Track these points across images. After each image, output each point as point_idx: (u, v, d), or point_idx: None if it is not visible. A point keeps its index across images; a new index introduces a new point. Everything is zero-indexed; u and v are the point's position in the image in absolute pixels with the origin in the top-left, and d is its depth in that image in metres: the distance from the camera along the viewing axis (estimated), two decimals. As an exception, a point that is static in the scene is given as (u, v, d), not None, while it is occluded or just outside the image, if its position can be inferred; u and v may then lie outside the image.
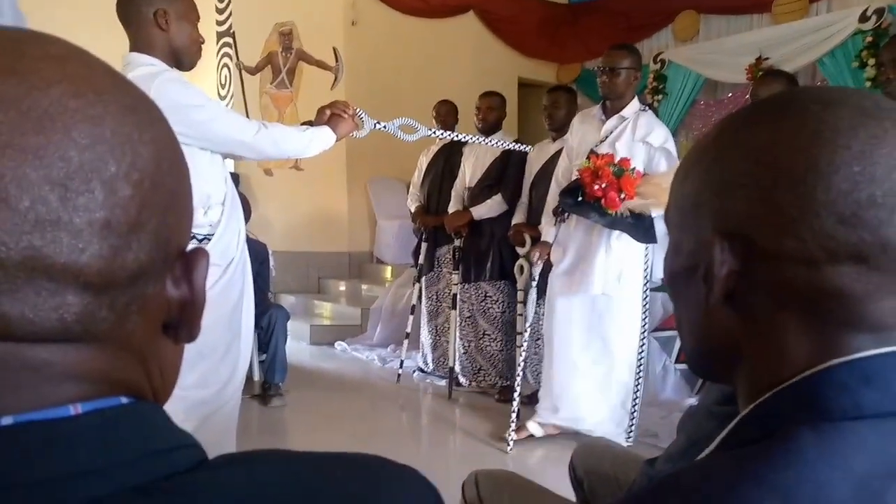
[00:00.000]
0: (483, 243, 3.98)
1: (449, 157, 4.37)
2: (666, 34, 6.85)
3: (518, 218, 3.79)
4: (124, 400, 0.38)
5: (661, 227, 3.05)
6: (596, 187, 2.83)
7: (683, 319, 0.58)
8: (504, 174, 3.97)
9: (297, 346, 5.07)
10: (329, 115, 2.21)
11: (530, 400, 3.72)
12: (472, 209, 3.95)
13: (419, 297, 4.34)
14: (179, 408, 1.97)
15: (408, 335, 4.30)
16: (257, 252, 3.92)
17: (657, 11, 6.75)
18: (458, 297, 4.01)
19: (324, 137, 2.16)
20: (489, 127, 4.06)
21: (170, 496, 0.36)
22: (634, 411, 3.06)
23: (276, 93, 6.25)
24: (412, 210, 4.46)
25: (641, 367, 3.06)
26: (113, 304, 0.37)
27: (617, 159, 2.88)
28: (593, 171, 2.86)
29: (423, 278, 4.33)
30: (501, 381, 3.97)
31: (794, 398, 0.48)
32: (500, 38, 7.26)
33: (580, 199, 2.93)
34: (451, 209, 4.11)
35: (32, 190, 0.33)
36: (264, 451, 0.41)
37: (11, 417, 0.34)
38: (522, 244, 3.61)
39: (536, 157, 3.83)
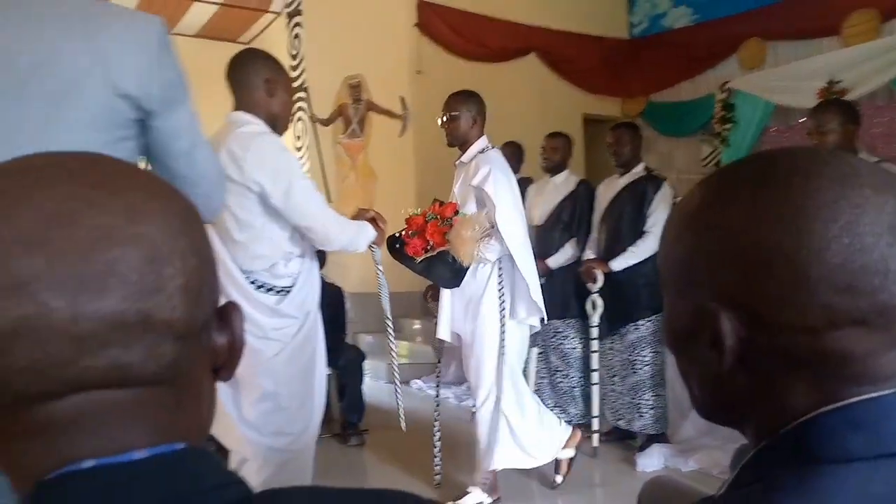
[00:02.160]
0: (556, 282, 4.00)
1: (515, 197, 4.45)
2: (732, 63, 6.80)
3: (589, 254, 3.82)
4: (180, 446, 0.46)
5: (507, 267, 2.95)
6: (403, 233, 2.87)
7: (691, 375, 0.60)
8: (572, 215, 4.00)
9: (376, 385, 5.18)
10: (370, 218, 2.31)
11: (606, 436, 3.71)
12: (549, 260, 3.96)
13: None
14: (259, 454, 2.11)
15: (480, 373, 4.34)
16: (333, 296, 4.08)
17: (721, 40, 6.71)
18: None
19: (368, 237, 2.27)
20: (554, 166, 4.13)
21: None
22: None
23: (348, 142, 6.52)
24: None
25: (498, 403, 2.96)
26: (190, 350, 0.46)
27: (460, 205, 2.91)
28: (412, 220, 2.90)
29: (494, 315, 4.38)
30: (578, 418, 3.96)
31: (785, 445, 0.51)
32: (562, 77, 7.36)
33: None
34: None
35: (136, 267, 0.43)
36: (300, 487, 0.50)
37: (92, 461, 0.43)
38: (595, 280, 3.63)
39: (604, 192, 3.88)
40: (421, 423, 4.40)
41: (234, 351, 0.52)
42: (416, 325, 6.16)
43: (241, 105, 2.12)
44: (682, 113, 7.23)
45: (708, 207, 0.55)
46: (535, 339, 4.00)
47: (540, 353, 4.04)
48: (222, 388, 2.01)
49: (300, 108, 7.26)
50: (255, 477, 2.07)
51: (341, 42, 7.01)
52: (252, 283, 2.09)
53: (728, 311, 0.52)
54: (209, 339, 0.49)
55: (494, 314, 2.93)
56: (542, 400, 4.03)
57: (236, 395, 2.11)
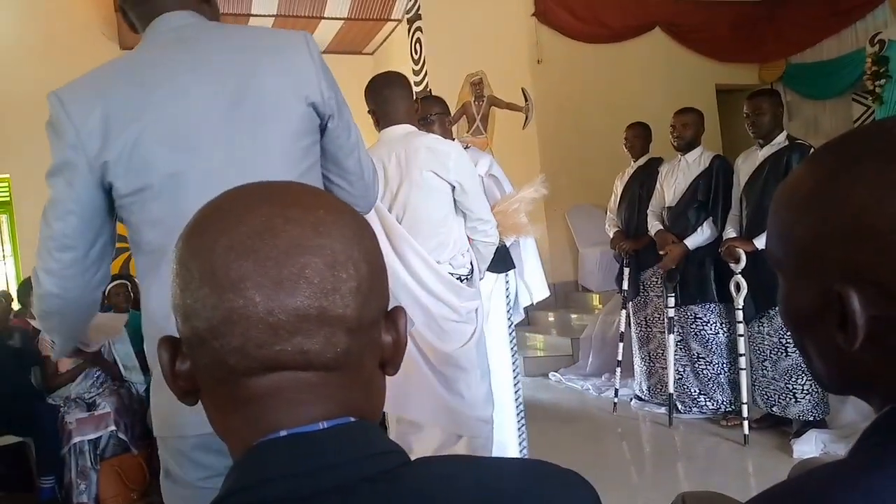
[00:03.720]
0: (691, 266, 3.84)
1: (645, 180, 4.31)
2: (882, 11, 6.17)
3: (730, 232, 3.63)
4: (352, 419, 0.55)
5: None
6: None
7: (814, 355, 0.60)
8: (711, 193, 3.82)
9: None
10: None
11: (759, 423, 3.51)
12: (687, 241, 3.81)
13: (627, 324, 4.29)
14: (477, 427, 2.35)
15: (619, 363, 4.26)
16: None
17: (868, -11, 6.12)
18: (675, 320, 3.90)
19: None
20: (686, 144, 3.96)
21: (383, 484, 0.51)
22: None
23: (472, 140, 6.58)
24: (611, 235, 4.45)
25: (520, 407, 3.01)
26: (360, 343, 0.55)
27: None
28: None
29: (630, 304, 4.28)
30: (726, 406, 3.79)
31: None
32: (691, 48, 7.01)
33: None
34: (652, 230, 4.04)
35: (320, 271, 0.52)
36: (454, 455, 0.56)
37: (285, 431, 0.53)
38: (737, 260, 3.44)
39: (744, 166, 3.66)
40: (565, 413, 4.40)
41: (398, 348, 0.60)
42: (551, 318, 6.12)
43: (396, 118, 2.34)
44: (827, 73, 6.65)
45: (828, 185, 0.54)
46: (671, 325, 3.86)
47: (679, 342, 3.90)
48: (428, 373, 2.29)
49: (425, 111, 7.42)
50: (465, 450, 2.29)
51: (461, 41, 7.09)
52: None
53: (857, 291, 0.51)
54: (378, 336, 0.58)
55: (502, 309, 3.04)
56: (685, 388, 3.90)
57: (449, 376, 2.30)
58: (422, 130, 2.44)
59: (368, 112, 2.38)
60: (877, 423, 0.53)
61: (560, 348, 5.51)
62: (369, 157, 1.42)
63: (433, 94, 6.94)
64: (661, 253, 3.91)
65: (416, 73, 7.71)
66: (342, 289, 0.53)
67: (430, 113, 2.90)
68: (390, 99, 2.33)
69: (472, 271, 2.40)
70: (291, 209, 0.54)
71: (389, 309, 0.60)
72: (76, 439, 3.37)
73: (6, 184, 6.96)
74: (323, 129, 1.28)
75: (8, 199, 7.00)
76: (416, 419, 2.36)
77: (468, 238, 2.42)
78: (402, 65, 7.78)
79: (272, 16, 7.01)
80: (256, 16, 6.97)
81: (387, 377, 0.62)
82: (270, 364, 0.52)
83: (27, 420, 3.58)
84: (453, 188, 2.28)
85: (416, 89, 7.60)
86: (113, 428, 3.45)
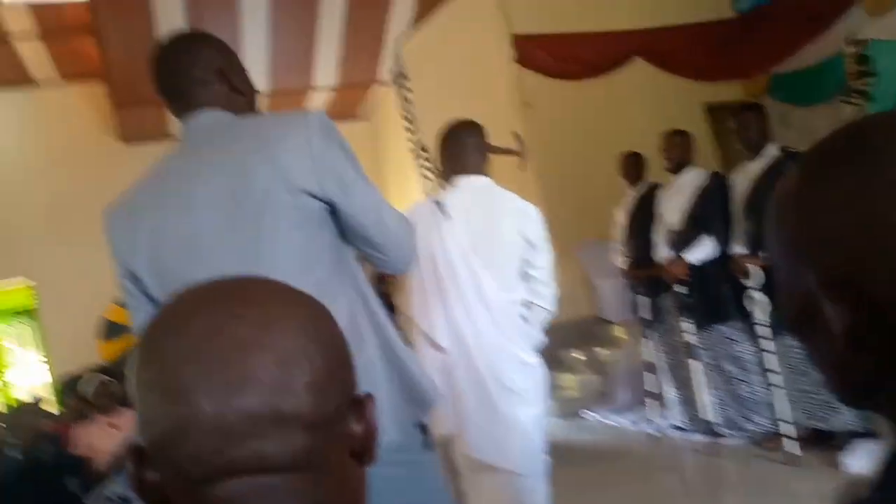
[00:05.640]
0: (709, 285, 3.83)
1: (647, 206, 4.34)
2: (859, 12, 6.27)
3: (737, 248, 3.63)
4: None
5: None
6: None
7: (815, 359, 0.58)
8: (707, 210, 3.84)
9: (547, 422, 5.14)
10: None
11: (807, 441, 3.41)
12: (686, 255, 3.83)
13: (654, 352, 4.26)
14: (538, 469, 2.32)
15: (650, 393, 4.20)
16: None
17: (838, -8, 6.23)
18: (697, 345, 3.87)
19: None
20: (676, 165, 4.02)
21: None
22: None
23: (472, 188, 6.64)
24: (620, 266, 4.45)
25: None
26: (320, 439, 0.53)
27: None
28: None
29: (652, 332, 4.25)
30: (769, 426, 3.71)
31: None
32: (674, 73, 7.12)
33: None
34: (659, 256, 4.04)
35: (269, 370, 0.51)
36: None
37: None
38: (747, 275, 3.44)
39: (741, 180, 3.69)
40: (605, 451, 4.33)
41: (369, 438, 0.57)
42: (577, 355, 6.07)
43: (469, 169, 2.39)
44: (811, 79, 6.72)
45: (804, 186, 0.53)
46: (692, 350, 3.82)
47: (712, 364, 3.84)
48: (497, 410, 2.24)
49: (422, 167, 7.52)
50: (536, 496, 2.28)
51: (448, 94, 7.22)
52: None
53: (833, 295, 0.49)
54: (344, 428, 0.56)
55: None
56: (725, 412, 3.80)
57: (519, 414, 2.29)
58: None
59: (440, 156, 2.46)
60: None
61: (591, 385, 5.46)
62: (398, 219, 1.39)
63: (427, 150, 7.06)
64: (671, 285, 3.91)
65: (410, 130, 7.83)
66: (295, 386, 0.51)
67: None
68: (469, 148, 2.40)
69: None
70: (240, 307, 0.54)
71: (359, 396, 0.58)
72: (116, 540, 3.34)
73: (30, 291, 7.04)
74: (333, 210, 1.27)
75: (32, 306, 7.07)
76: (484, 459, 2.32)
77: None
78: (396, 124, 7.92)
79: (264, 94, 7.18)
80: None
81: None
82: (227, 470, 0.50)
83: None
84: (530, 246, 2.32)
85: (411, 147, 7.73)
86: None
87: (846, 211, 0.49)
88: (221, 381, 0.50)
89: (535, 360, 2.39)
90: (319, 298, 1.17)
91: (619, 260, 4.52)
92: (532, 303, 2.40)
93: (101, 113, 7.18)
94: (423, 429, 1.32)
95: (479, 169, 2.42)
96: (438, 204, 2.36)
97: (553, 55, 6.76)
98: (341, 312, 1.24)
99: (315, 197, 1.23)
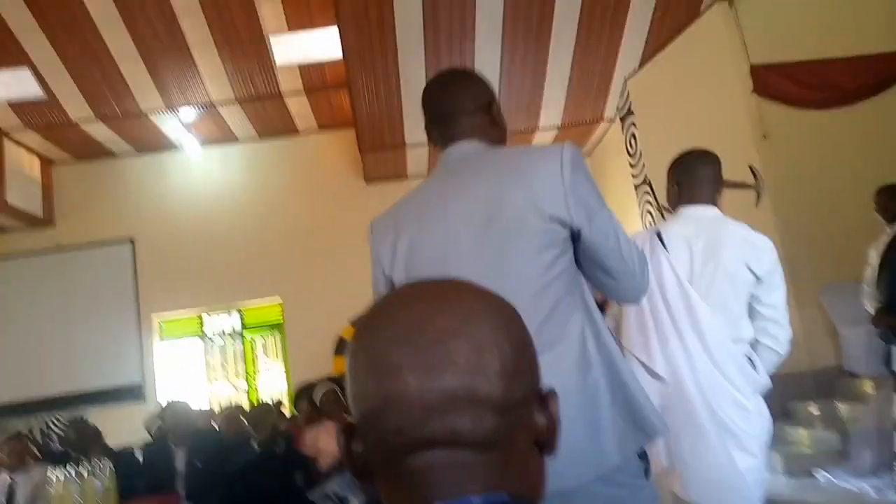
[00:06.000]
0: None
1: (905, 244, 3.81)
2: None
3: None
4: (505, 496, 0.58)
5: None
6: None
7: None
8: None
9: (773, 478, 4.63)
10: None
11: None
12: None
13: (906, 410, 3.68)
14: None
15: (902, 457, 3.63)
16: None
17: None
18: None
19: None
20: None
21: None
22: None
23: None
24: (871, 312, 3.93)
25: None
26: (508, 422, 0.58)
27: None
28: None
29: (906, 387, 3.68)
30: None
31: None
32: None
33: None
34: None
35: (466, 355, 0.58)
36: None
37: (440, 503, 0.57)
38: None
39: None
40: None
41: (552, 430, 0.63)
42: (813, 409, 5.42)
43: (703, 198, 2.29)
44: None
45: None
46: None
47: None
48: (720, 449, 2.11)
49: (646, 202, 7.32)
50: None
51: (678, 128, 6.98)
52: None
53: None
54: (529, 416, 0.61)
55: None
56: None
57: (738, 460, 2.15)
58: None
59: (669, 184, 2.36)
60: None
61: (827, 443, 4.84)
62: (635, 250, 1.43)
63: (653, 184, 6.86)
64: None
65: (632, 166, 7.70)
66: (488, 371, 0.58)
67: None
68: (702, 178, 2.31)
69: (752, 363, 2.23)
70: (442, 303, 0.61)
71: (545, 392, 0.64)
72: (330, 532, 3.64)
73: (279, 308, 8.05)
74: (577, 237, 1.34)
75: (280, 321, 8.07)
76: (695, 500, 2.17)
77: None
78: (619, 160, 7.83)
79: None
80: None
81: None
82: (425, 442, 0.57)
83: (291, 515, 3.97)
84: (758, 282, 2.16)
85: (634, 182, 7.57)
86: (361, 522, 3.68)
87: None
88: (427, 363, 0.57)
89: (758, 406, 2.18)
90: (553, 317, 1.29)
91: (870, 305, 3.99)
92: (759, 342, 2.22)
93: (353, 157, 8.03)
94: (644, 456, 1.32)
95: (710, 201, 2.29)
96: (658, 235, 2.25)
97: (798, 82, 6.28)
98: (572, 333, 1.30)
99: (563, 224, 1.31)
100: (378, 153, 7.60)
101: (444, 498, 0.56)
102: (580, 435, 1.24)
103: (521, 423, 0.60)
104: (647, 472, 1.32)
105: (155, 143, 8.22)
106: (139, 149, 8.33)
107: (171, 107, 7.40)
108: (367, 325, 0.62)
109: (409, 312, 0.60)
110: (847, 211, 5.38)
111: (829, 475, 4.50)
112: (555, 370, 1.25)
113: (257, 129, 8.29)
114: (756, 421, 2.15)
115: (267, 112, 7.85)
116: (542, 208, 1.29)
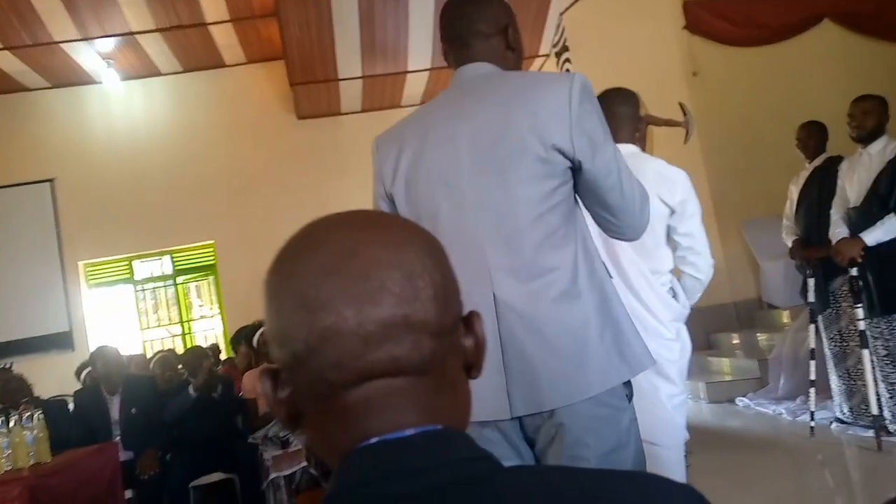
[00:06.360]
0: (886, 269, 3.45)
1: (824, 181, 3.97)
2: None
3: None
4: (439, 427, 0.57)
5: None
6: None
7: None
8: (893, 186, 3.44)
9: (696, 406, 4.92)
10: None
11: None
12: (864, 234, 3.47)
13: (819, 340, 3.92)
14: (678, 445, 2.27)
15: (813, 383, 3.88)
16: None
17: None
18: (868, 333, 3.51)
19: None
20: (868, 134, 3.62)
21: (477, 488, 0.53)
22: None
23: (631, 161, 6.43)
24: (789, 245, 4.12)
25: None
26: (443, 346, 0.58)
27: None
28: None
29: (820, 318, 3.91)
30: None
31: None
32: (867, 35, 6.40)
33: None
34: (834, 236, 3.68)
35: (400, 283, 0.57)
36: (552, 465, 0.57)
37: (376, 438, 0.56)
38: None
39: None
40: (757, 441, 4.07)
41: (479, 350, 0.64)
42: (735, 339, 5.73)
43: (620, 137, 2.28)
44: None
45: None
46: (864, 339, 3.47)
47: (885, 356, 3.48)
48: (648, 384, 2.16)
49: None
50: (675, 466, 2.22)
51: (611, 65, 6.99)
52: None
53: None
54: (458, 340, 0.62)
55: None
56: (896, 407, 3.45)
57: (660, 387, 2.24)
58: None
59: None
60: None
61: (747, 371, 5.13)
62: (637, 188, 1.42)
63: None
64: (839, 263, 3.56)
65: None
66: (422, 296, 0.57)
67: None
68: (620, 117, 2.32)
69: (674, 292, 2.32)
70: (365, 231, 0.60)
71: (465, 315, 0.64)
72: (273, 475, 3.69)
73: (212, 249, 7.86)
74: (578, 169, 1.34)
75: (213, 262, 7.89)
76: None
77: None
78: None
79: (426, 70, 7.38)
80: (413, 71, 7.38)
81: None
82: (365, 373, 0.56)
83: (232, 459, 3.98)
84: (672, 213, 2.23)
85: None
86: (305, 464, 3.72)
87: None
88: (361, 293, 0.55)
89: (678, 334, 2.27)
90: (547, 245, 1.32)
91: (788, 239, 4.17)
92: (682, 272, 2.30)
93: (283, 91, 7.75)
94: (627, 382, 1.35)
95: (628, 139, 2.32)
96: None
97: (728, 20, 6.37)
98: (565, 263, 1.31)
99: (564, 154, 1.30)
100: (310, 87, 7.35)
101: (380, 431, 0.56)
102: (563, 363, 1.26)
103: (454, 346, 0.61)
104: (629, 396, 1.36)
105: (72, 77, 7.71)
106: (54, 83, 7.82)
107: (86, 37, 6.95)
108: (287, 257, 0.59)
109: (334, 242, 0.58)
110: (771, 148, 5.56)
111: (748, 401, 4.79)
112: (541, 297, 1.28)
113: (181, 62, 7.87)
114: (675, 348, 2.25)
115: (191, 43, 7.44)
116: (546, 137, 1.28)
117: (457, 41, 1.46)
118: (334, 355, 0.55)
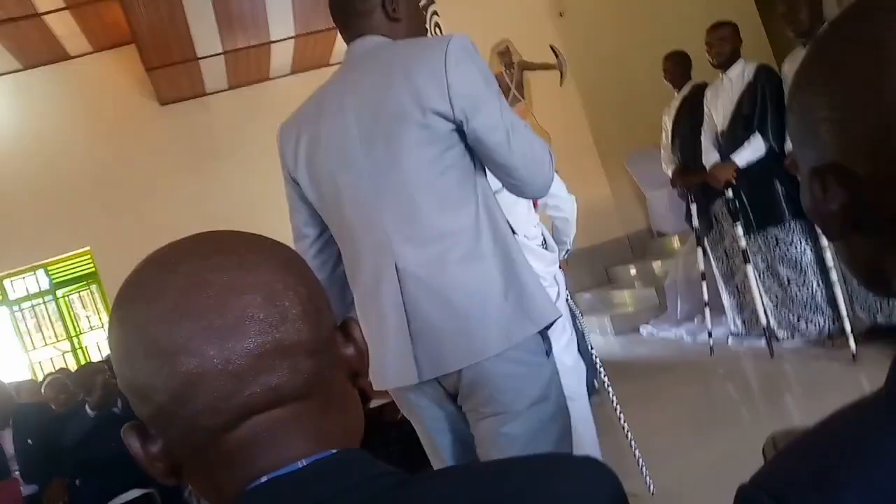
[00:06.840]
0: (758, 187, 3.63)
1: (694, 109, 4.10)
2: None
3: (791, 146, 3.39)
4: (332, 452, 0.53)
5: None
6: None
7: (833, 247, 0.56)
8: (756, 107, 3.59)
9: (604, 340, 5.09)
10: None
11: (867, 337, 3.28)
12: (734, 156, 3.62)
13: (707, 261, 4.11)
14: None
15: (707, 303, 4.08)
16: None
17: None
18: (748, 249, 3.70)
19: None
20: (726, 60, 3.74)
21: None
22: None
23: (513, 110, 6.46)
24: (669, 174, 4.26)
25: None
26: (323, 362, 0.54)
27: None
28: None
29: (705, 240, 4.09)
30: (829, 325, 3.55)
31: None
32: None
33: None
34: (708, 161, 3.83)
35: (261, 307, 0.52)
36: (453, 467, 0.52)
37: (266, 476, 0.51)
38: (802, 171, 3.22)
39: (790, 70, 3.42)
40: (663, 364, 4.26)
41: (361, 356, 0.60)
42: (632, 271, 5.95)
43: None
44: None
45: (801, 68, 0.51)
46: (746, 254, 3.65)
47: (766, 268, 3.68)
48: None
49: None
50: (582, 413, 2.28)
51: (480, 12, 6.95)
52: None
53: (826, 177, 0.48)
54: (337, 351, 0.58)
55: None
56: (783, 315, 3.67)
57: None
58: None
59: None
60: None
61: (647, 300, 5.35)
62: (533, 144, 1.39)
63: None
64: (715, 186, 3.72)
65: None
66: (289, 316, 0.53)
67: None
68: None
69: (545, 241, 2.37)
70: (212, 258, 0.54)
71: (342, 322, 0.61)
72: (192, 484, 3.53)
73: (88, 256, 7.34)
74: (462, 131, 1.33)
75: (93, 270, 7.38)
76: None
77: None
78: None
79: (290, 38, 7.07)
80: (277, 41, 7.05)
81: None
82: (243, 411, 0.51)
83: (146, 473, 3.78)
84: None
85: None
86: (224, 469, 3.59)
87: (826, 90, 0.48)
88: (220, 328, 0.50)
89: (553, 280, 2.32)
90: (442, 210, 1.33)
91: (669, 168, 4.31)
92: (552, 220, 2.37)
93: (139, 77, 7.23)
94: (545, 336, 1.36)
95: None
96: None
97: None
98: (464, 227, 1.32)
99: (445, 117, 1.30)
100: (168, 70, 6.89)
101: (270, 468, 0.51)
102: (465, 324, 1.28)
103: (334, 360, 0.57)
104: (548, 352, 1.37)
105: None
106: None
107: None
108: (128, 300, 0.53)
109: (176, 277, 0.52)
110: (644, 80, 5.69)
111: (651, 328, 5.00)
112: (442, 261, 1.29)
113: (20, 59, 7.18)
114: (553, 292, 2.32)
115: (26, 36, 6.78)
116: (424, 102, 1.29)
117: (339, 22, 1.48)
118: (205, 399, 0.50)
